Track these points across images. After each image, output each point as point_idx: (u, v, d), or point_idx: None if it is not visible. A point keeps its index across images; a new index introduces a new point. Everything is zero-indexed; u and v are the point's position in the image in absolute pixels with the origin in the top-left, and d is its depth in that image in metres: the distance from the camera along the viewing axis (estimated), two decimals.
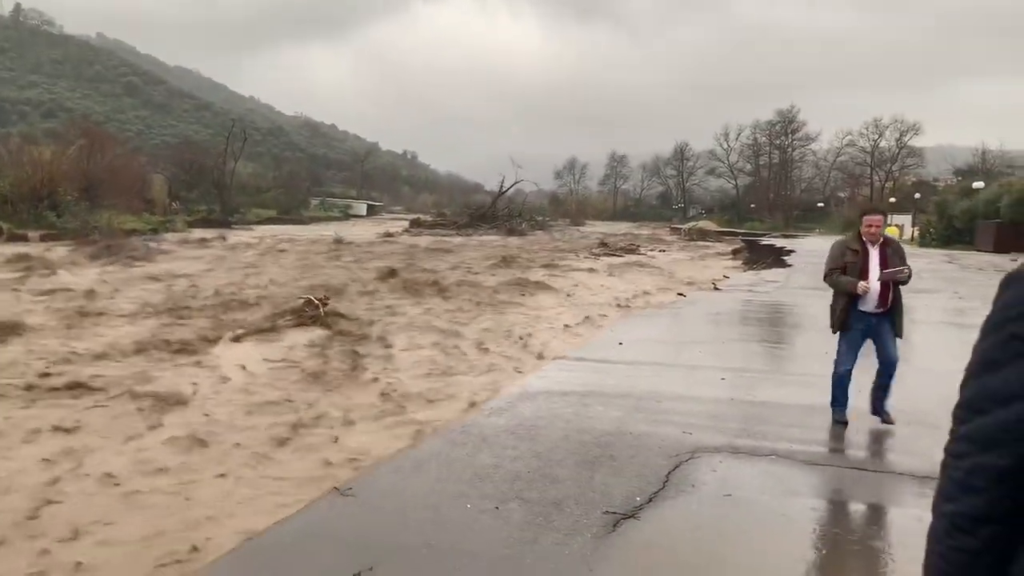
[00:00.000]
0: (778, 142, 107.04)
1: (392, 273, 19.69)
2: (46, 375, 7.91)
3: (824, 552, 3.86)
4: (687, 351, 9.47)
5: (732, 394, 7.16)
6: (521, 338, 11.11)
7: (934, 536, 1.26)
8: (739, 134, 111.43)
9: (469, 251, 31.90)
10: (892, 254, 5.83)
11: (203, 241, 33.20)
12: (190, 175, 66.43)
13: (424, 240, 42.00)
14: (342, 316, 12.32)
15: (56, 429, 6.14)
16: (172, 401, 7.06)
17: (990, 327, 1.22)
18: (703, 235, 60.05)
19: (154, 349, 9.47)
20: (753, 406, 6.74)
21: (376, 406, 7.25)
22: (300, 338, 10.67)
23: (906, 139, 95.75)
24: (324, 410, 6.98)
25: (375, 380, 8.26)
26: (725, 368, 8.33)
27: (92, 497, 4.77)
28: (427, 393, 7.76)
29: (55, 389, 7.29)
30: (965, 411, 1.24)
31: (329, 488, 4.65)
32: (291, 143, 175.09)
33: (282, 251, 28.66)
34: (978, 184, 49.16)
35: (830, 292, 6.16)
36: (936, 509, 1.27)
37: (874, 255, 5.82)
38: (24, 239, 30.36)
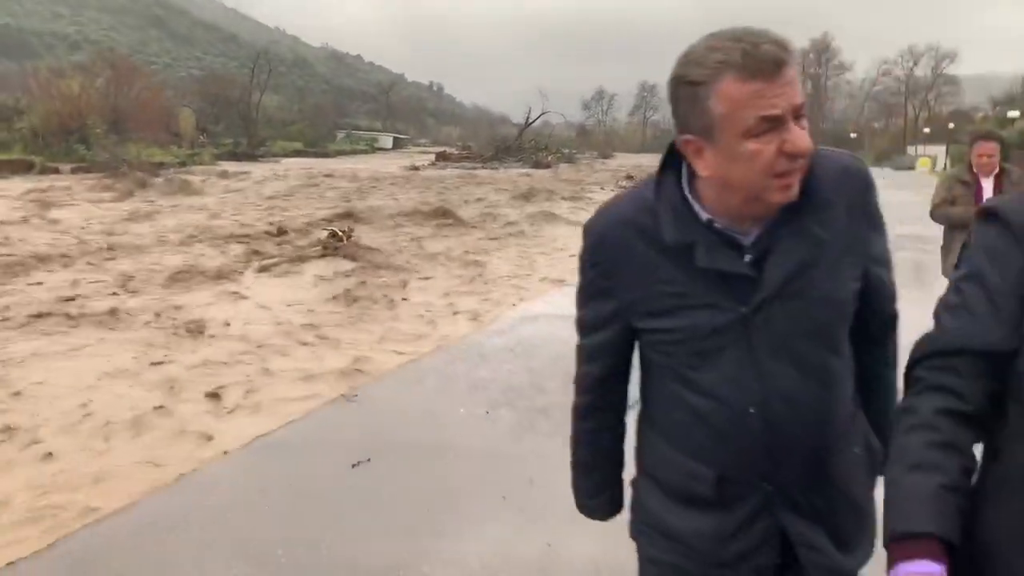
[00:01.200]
0: (811, 71, 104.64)
1: (417, 206, 20.02)
2: (77, 301, 8.41)
3: None
4: None
5: None
6: (536, 267, 11.46)
7: (571, 418, 1.67)
8: None
9: (494, 184, 32.06)
10: (1011, 187, 4.93)
11: (230, 174, 33.67)
12: (216, 108, 66.71)
13: (450, 173, 42.16)
14: (366, 247, 12.71)
15: (91, 349, 6.63)
16: (202, 327, 7.44)
17: (579, 268, 1.52)
18: None
19: (184, 279, 9.91)
20: None
21: (393, 328, 7.63)
22: (325, 268, 11.05)
23: (943, 67, 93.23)
24: (345, 332, 7.35)
25: (393, 305, 8.63)
26: None
27: (124, 398, 5.24)
28: (439, 315, 8.14)
29: (92, 315, 7.75)
30: (578, 331, 1.58)
31: (336, 395, 5.09)
32: (316, 75, 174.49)
33: (312, 185, 29.04)
34: (1013, 113, 48.00)
35: None
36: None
37: (988, 187, 5.05)
38: (56, 172, 31.06)
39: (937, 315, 1.23)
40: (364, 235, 13.96)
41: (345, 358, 6.48)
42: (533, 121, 71.06)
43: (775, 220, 1.34)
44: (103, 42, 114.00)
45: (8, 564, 3.14)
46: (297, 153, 63.84)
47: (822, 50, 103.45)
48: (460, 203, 21.76)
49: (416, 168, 47.21)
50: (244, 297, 8.91)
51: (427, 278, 10.43)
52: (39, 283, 9.30)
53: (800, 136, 1.24)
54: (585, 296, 1.51)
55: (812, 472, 1.43)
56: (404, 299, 8.95)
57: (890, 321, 1.52)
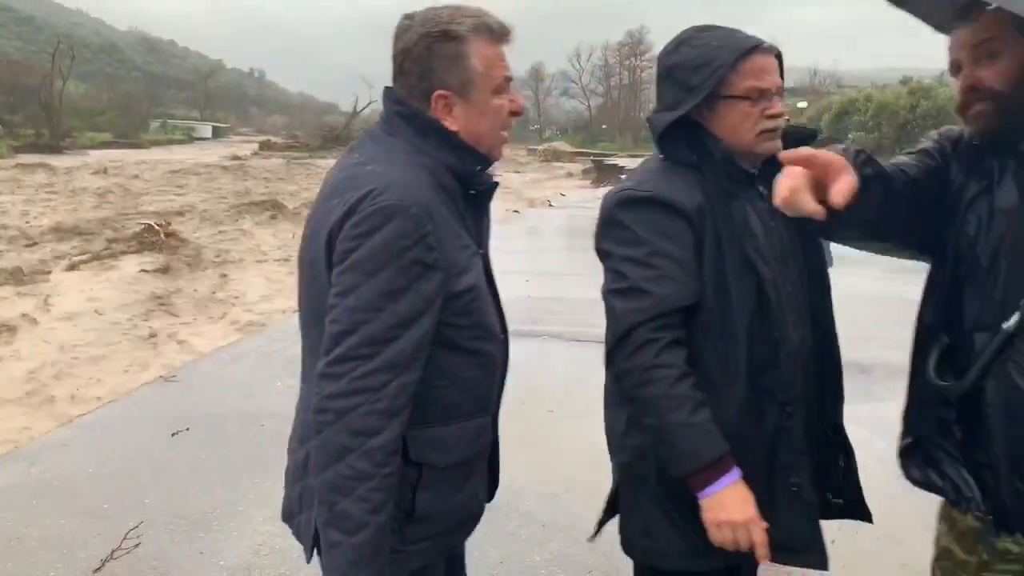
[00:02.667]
0: (628, 63, 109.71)
1: (240, 198, 19.67)
2: None
3: (561, 392, 4.96)
4: (501, 259, 10.48)
5: (530, 292, 8.27)
6: None
7: (357, 477, 1.31)
8: (591, 55, 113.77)
9: (321, 173, 31.76)
10: None
11: (30, 167, 31.36)
12: (13, 97, 61.45)
13: (275, 163, 41.17)
14: (184, 240, 12.53)
15: None
16: (7, 330, 7.23)
17: (381, 262, 1.31)
18: (558, 156, 61.31)
19: None
20: (544, 301, 7.88)
21: (213, 320, 7.81)
22: (140, 263, 10.87)
23: None
24: (162, 327, 7.41)
25: (213, 298, 8.77)
26: (531, 272, 9.44)
27: None
28: (260, 305, 8.41)
29: None
30: (372, 347, 1.32)
31: (155, 377, 5.38)
32: (126, 61, 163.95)
33: (125, 177, 27.65)
34: (802, 104, 52.58)
35: None
36: (349, 452, 1.31)
37: None
38: None
39: (637, 286, 1.52)
40: (183, 229, 13.77)
41: (161, 349, 6.63)
42: (362, 110, 70.32)
43: None
44: None
45: None
46: (107, 144, 59.90)
47: (637, 42, 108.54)
48: (287, 194, 21.56)
49: (239, 158, 45.68)
50: (50, 296, 8.69)
51: (251, 270, 10.56)
52: None
53: (519, 97, 1.53)
54: (400, 286, 1.33)
55: None
56: (224, 293, 9.09)
57: None
